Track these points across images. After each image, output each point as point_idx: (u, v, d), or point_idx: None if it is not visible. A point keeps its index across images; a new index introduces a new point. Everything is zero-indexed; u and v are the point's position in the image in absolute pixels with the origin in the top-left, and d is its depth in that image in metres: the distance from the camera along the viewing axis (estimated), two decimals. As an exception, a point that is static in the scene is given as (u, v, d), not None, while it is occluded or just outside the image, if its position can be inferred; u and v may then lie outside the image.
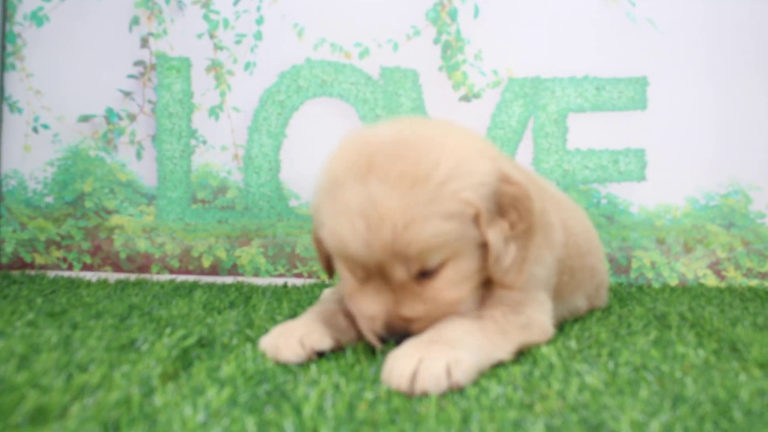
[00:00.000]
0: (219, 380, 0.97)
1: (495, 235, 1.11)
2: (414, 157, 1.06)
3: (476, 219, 1.09)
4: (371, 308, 1.11)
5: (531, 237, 1.16)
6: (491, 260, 1.12)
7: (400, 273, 1.08)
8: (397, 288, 1.09)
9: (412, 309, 1.10)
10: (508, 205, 1.13)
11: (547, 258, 1.30)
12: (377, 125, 1.19)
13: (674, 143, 2.24)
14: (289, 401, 0.88)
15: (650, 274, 2.23)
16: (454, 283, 1.11)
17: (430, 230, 1.05)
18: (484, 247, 1.12)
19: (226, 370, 1.02)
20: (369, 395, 0.91)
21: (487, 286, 1.18)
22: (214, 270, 2.32)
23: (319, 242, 1.25)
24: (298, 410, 0.84)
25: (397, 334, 1.09)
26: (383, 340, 1.11)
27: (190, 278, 2.28)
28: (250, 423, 0.79)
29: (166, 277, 2.30)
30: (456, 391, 0.94)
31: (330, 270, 1.31)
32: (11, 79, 2.35)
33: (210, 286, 2.04)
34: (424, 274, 1.09)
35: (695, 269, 2.22)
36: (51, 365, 1.00)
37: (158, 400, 0.87)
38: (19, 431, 0.76)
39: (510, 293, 1.19)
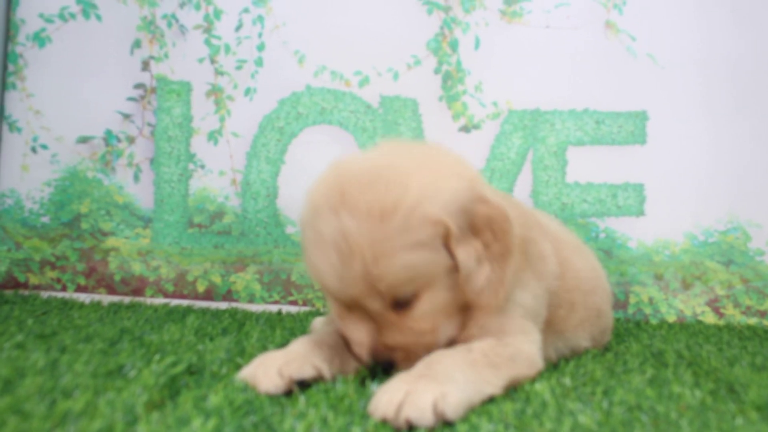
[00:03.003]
0: (205, 410, 0.95)
1: (465, 253, 1.11)
2: (383, 186, 1.06)
3: (446, 238, 1.08)
4: (357, 335, 1.13)
5: (509, 259, 1.14)
6: (462, 279, 1.11)
7: (374, 305, 1.09)
8: (376, 317, 1.11)
9: (392, 338, 1.11)
10: (482, 225, 1.12)
11: (534, 287, 1.27)
12: (361, 152, 1.19)
13: (673, 179, 2.23)
14: (275, 434, 0.86)
15: (648, 310, 2.21)
16: (429, 313, 1.12)
17: (399, 263, 1.05)
18: (458, 272, 1.11)
19: (214, 400, 0.99)
20: (356, 430, 0.89)
21: (471, 313, 1.17)
22: (208, 295, 2.30)
23: None
24: (283, 444, 0.82)
25: (381, 360, 1.11)
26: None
27: (184, 303, 2.26)
28: (234, 457, 0.77)
29: (160, 300, 2.27)
30: (445, 426, 0.92)
31: None
32: (12, 99, 2.35)
33: (204, 312, 2.02)
34: (401, 305, 1.10)
35: (693, 306, 2.21)
36: (34, 390, 0.98)
37: (142, 430, 0.85)
38: (-4, 460, 0.75)
39: (494, 320, 1.17)
